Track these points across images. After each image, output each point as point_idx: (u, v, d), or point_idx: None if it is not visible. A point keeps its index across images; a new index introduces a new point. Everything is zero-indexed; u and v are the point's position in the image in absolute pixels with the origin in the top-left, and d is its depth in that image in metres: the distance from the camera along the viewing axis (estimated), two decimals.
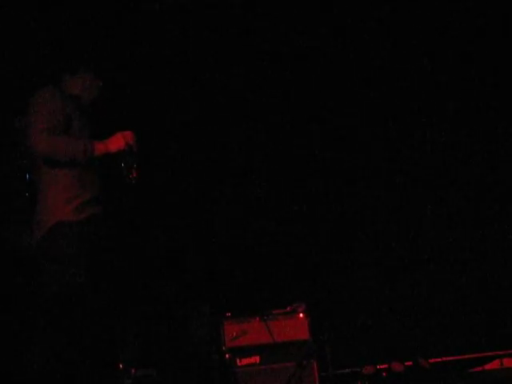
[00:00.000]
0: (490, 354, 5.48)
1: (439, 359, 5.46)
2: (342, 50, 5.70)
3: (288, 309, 5.00)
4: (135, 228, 5.36)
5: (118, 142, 3.57)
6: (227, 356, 4.85)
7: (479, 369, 5.40)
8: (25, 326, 4.43)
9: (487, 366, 5.40)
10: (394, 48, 5.74)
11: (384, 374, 5.27)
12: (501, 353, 5.43)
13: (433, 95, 5.81)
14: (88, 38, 4.73)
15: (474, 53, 5.73)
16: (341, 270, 5.68)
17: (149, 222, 5.46)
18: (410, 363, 5.29)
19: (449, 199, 5.83)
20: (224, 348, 4.88)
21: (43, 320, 3.47)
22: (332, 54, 5.72)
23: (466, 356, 5.54)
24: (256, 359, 4.86)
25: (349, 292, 5.65)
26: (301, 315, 4.95)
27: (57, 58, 3.99)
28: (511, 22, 5.60)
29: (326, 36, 5.65)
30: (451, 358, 5.53)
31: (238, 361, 4.85)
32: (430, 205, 5.85)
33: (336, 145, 5.82)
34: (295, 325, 4.94)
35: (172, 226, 5.51)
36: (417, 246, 5.75)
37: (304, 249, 5.67)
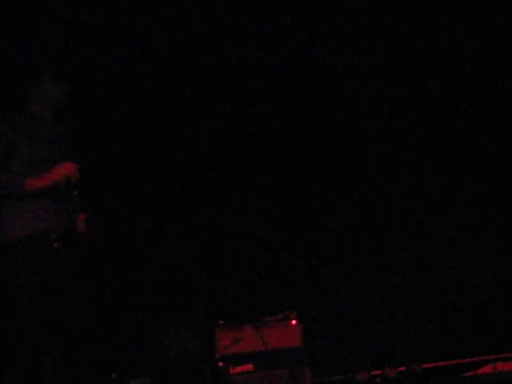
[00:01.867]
0: (482, 358, 5.48)
1: (432, 364, 5.47)
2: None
3: (280, 316, 4.99)
4: (129, 236, 5.37)
5: None
6: (220, 364, 4.85)
7: (472, 373, 5.41)
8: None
9: (480, 371, 5.41)
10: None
11: (378, 380, 5.27)
12: (494, 357, 5.43)
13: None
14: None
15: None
16: (333, 276, 5.69)
17: (142, 229, 5.47)
18: (404, 369, 5.29)
19: (445, 202, 5.83)
20: (217, 356, 4.87)
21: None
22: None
23: (459, 361, 5.54)
24: (249, 367, 4.85)
25: (341, 298, 5.66)
26: (293, 322, 4.95)
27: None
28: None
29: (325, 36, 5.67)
30: (444, 363, 5.53)
31: (230, 369, 4.85)
32: (425, 209, 5.85)
33: (329, 148, 5.82)
34: (288, 332, 4.94)
35: (165, 232, 5.51)
36: (409, 252, 5.76)
37: (296, 256, 5.68)
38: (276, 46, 5.62)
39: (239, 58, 5.54)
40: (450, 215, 5.83)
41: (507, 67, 5.68)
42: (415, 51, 5.72)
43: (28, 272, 3.36)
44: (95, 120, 5.01)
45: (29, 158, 3.35)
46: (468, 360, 5.51)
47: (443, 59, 5.74)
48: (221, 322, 4.96)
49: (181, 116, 5.62)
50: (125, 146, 5.44)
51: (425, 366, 5.36)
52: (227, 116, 5.70)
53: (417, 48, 5.71)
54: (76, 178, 3.34)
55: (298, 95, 5.77)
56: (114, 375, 4.79)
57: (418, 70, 5.76)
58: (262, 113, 5.73)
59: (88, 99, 4.06)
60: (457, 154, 5.86)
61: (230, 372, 4.84)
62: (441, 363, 5.52)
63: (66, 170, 3.31)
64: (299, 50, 5.66)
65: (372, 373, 5.31)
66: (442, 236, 5.83)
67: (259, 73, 5.66)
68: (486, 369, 5.42)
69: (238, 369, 4.84)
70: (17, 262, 3.32)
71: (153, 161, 5.57)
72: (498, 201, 5.81)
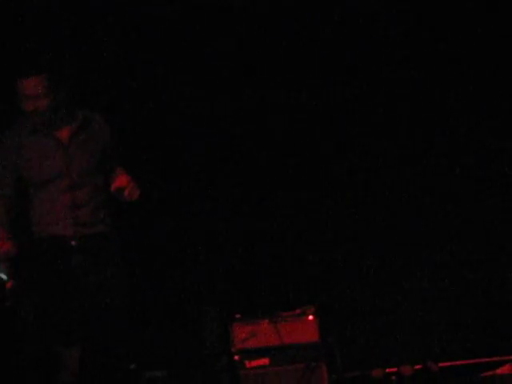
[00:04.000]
0: (501, 358, 5.44)
1: (449, 363, 5.45)
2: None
3: (297, 311, 5.01)
4: (142, 227, 5.41)
5: None
6: (236, 358, 4.88)
7: (490, 373, 5.37)
8: None
9: (498, 371, 5.37)
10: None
11: (393, 377, 5.27)
12: None
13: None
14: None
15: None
16: (351, 272, 5.69)
17: (155, 221, 5.51)
18: (420, 367, 5.28)
19: (452, 205, 5.81)
20: (233, 349, 4.91)
21: None
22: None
23: (477, 360, 5.51)
24: (265, 361, 4.88)
25: (358, 294, 5.65)
26: (310, 317, 4.96)
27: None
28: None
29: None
30: (461, 362, 5.51)
31: (247, 363, 4.88)
32: (436, 209, 5.82)
33: (341, 144, 5.83)
34: (304, 327, 4.96)
35: (179, 225, 5.54)
36: (426, 248, 5.73)
37: (314, 251, 5.68)
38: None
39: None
40: (461, 212, 5.80)
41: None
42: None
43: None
44: None
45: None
46: (486, 359, 5.48)
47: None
48: (237, 315, 4.99)
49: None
50: None
51: (441, 364, 5.34)
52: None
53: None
54: None
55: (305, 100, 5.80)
56: (132, 366, 4.85)
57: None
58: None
59: None
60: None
61: (246, 366, 4.87)
62: (458, 362, 5.49)
63: None
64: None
65: (387, 370, 5.31)
66: (461, 231, 5.79)
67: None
68: (505, 369, 5.38)
69: (254, 363, 4.87)
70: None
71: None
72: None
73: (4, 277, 3.48)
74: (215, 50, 5.62)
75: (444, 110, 5.76)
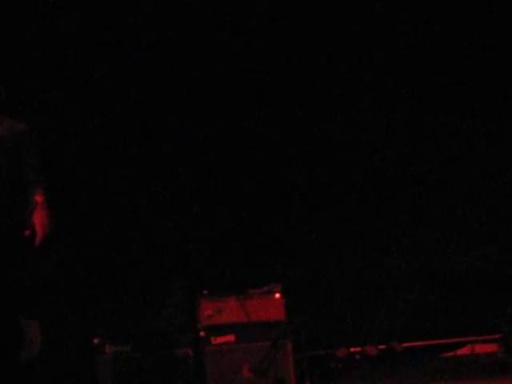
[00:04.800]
0: (461, 339, 5.54)
1: (412, 343, 5.52)
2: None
3: (265, 289, 5.01)
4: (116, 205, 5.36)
5: None
6: (202, 334, 4.86)
7: (451, 354, 5.47)
8: None
9: (459, 352, 5.47)
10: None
11: (358, 356, 5.32)
12: (472, 339, 5.50)
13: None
14: None
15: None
16: (318, 251, 5.71)
17: (127, 195, 5.46)
18: (384, 347, 5.34)
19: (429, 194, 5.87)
20: (199, 325, 4.89)
21: None
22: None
23: (439, 341, 5.59)
24: (231, 338, 4.87)
25: (325, 274, 5.68)
26: (277, 295, 4.96)
27: None
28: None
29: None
30: (424, 343, 5.59)
31: (212, 339, 4.87)
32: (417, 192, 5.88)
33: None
34: (271, 305, 4.95)
35: (151, 201, 5.50)
36: (393, 230, 5.78)
37: (282, 229, 5.69)
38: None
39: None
40: (439, 201, 5.86)
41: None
42: None
43: None
44: None
45: None
46: (447, 341, 5.57)
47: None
48: (205, 292, 4.96)
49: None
50: None
51: (405, 345, 5.42)
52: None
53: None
54: None
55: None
56: (95, 341, 4.79)
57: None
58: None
59: None
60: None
61: (212, 342, 4.86)
62: (421, 343, 5.57)
63: None
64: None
65: (352, 350, 5.35)
66: (428, 220, 5.86)
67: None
68: (465, 350, 5.48)
69: (220, 339, 4.86)
70: None
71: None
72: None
73: None
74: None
75: None
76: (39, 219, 3.45)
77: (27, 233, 3.42)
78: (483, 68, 5.75)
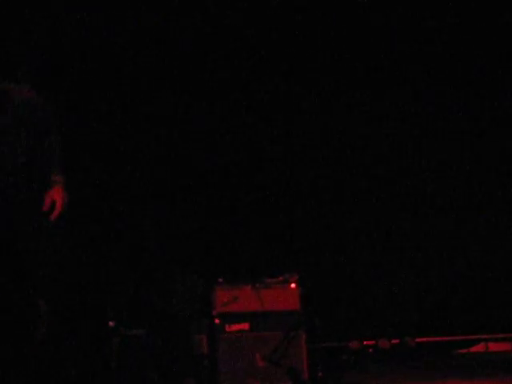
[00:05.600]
0: (476, 337, 5.53)
1: (426, 339, 5.51)
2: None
3: (280, 278, 5.01)
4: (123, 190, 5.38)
5: None
6: (217, 321, 4.88)
7: (464, 351, 5.46)
8: None
9: (472, 349, 5.46)
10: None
11: (370, 349, 5.32)
12: (487, 336, 5.48)
13: None
14: None
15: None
16: (335, 244, 5.70)
17: (138, 185, 5.48)
18: (397, 341, 5.33)
19: (438, 189, 5.85)
20: (214, 313, 4.90)
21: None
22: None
23: (453, 337, 5.58)
24: (245, 326, 4.88)
25: (341, 266, 5.68)
26: (292, 285, 4.96)
27: None
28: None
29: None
30: (438, 339, 5.57)
31: (227, 326, 4.88)
32: (427, 188, 5.86)
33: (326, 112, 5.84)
34: (286, 295, 4.95)
35: (165, 189, 5.51)
36: (411, 225, 5.77)
37: (302, 220, 5.68)
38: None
39: None
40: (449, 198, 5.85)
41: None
42: None
43: None
44: None
45: None
46: (461, 337, 5.56)
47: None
48: (220, 279, 4.97)
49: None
50: None
51: (418, 340, 5.41)
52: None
53: None
54: None
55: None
56: (111, 323, 4.82)
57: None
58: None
59: None
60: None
61: (226, 330, 4.87)
62: (434, 339, 5.56)
63: None
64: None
65: (365, 342, 5.35)
66: (444, 213, 5.84)
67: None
68: (479, 347, 5.47)
69: (234, 327, 4.87)
70: None
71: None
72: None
73: None
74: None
75: None
76: (58, 196, 3.48)
77: (45, 207, 3.45)
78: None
